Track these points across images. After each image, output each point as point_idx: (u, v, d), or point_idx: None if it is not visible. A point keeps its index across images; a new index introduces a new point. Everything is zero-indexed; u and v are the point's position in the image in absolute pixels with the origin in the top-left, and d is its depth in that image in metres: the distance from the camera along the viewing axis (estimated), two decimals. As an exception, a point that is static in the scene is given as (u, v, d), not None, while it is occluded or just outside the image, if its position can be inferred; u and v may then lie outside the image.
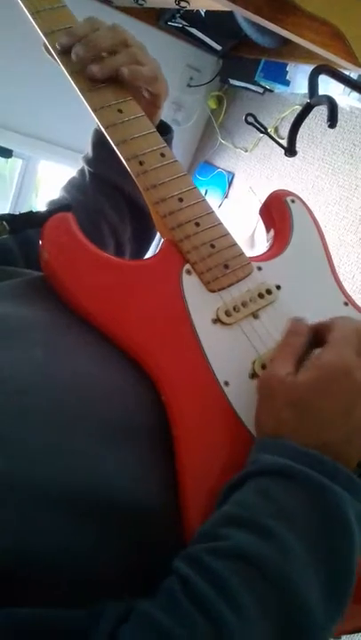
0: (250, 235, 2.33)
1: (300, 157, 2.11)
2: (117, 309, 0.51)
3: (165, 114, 2.48)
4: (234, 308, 0.54)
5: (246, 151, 2.44)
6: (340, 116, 2.21)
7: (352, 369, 0.46)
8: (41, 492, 0.40)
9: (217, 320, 0.53)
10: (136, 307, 0.51)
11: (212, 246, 0.56)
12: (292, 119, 0.91)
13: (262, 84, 2.27)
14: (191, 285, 0.54)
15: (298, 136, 0.91)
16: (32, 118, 2.34)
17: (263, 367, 0.53)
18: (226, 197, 2.54)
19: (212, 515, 0.43)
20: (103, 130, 0.59)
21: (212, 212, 0.58)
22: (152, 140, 0.59)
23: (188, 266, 0.55)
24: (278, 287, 0.58)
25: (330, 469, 0.42)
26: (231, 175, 2.53)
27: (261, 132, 0.82)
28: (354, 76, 1.70)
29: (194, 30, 2.18)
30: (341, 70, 1.54)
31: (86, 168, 0.72)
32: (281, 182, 2.23)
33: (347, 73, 1.66)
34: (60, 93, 2.45)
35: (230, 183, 2.53)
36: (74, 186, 0.73)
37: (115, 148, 0.59)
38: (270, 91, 2.30)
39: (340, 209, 1.98)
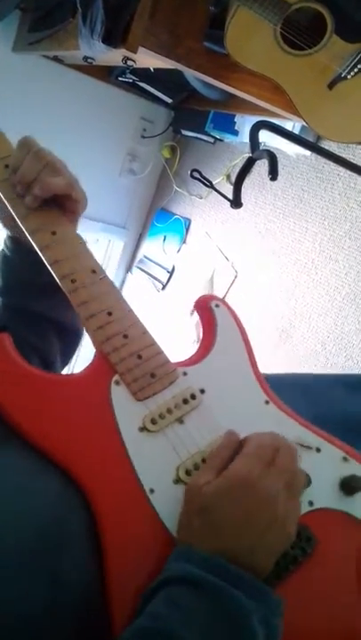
0: (208, 279, 2.37)
1: (252, 203, 2.18)
2: (49, 425, 0.53)
3: (121, 164, 2.54)
4: (160, 416, 0.57)
5: (201, 198, 2.51)
6: (287, 162, 2.28)
7: (255, 479, 0.49)
8: None
9: (143, 428, 0.56)
10: (67, 421, 0.54)
11: (139, 357, 0.60)
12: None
13: (212, 134, 2.35)
14: (119, 396, 0.57)
15: (249, 182, 0.94)
16: None
17: (187, 473, 0.55)
18: (184, 243, 2.58)
19: (129, 626, 0.44)
20: (38, 251, 0.64)
21: (139, 322, 0.63)
22: (83, 259, 0.64)
23: (116, 377, 0.58)
24: (203, 391, 0.61)
25: (233, 577, 0.44)
26: (188, 221, 2.58)
27: (207, 185, 0.85)
28: (298, 125, 1.78)
29: (144, 85, 2.25)
30: (286, 120, 1.62)
31: None
32: (235, 226, 2.29)
33: (291, 123, 1.74)
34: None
35: (187, 229, 2.57)
36: None
37: (49, 268, 0.63)
38: (221, 140, 2.38)
39: (292, 251, 2.04)
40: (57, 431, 0.53)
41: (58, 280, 0.62)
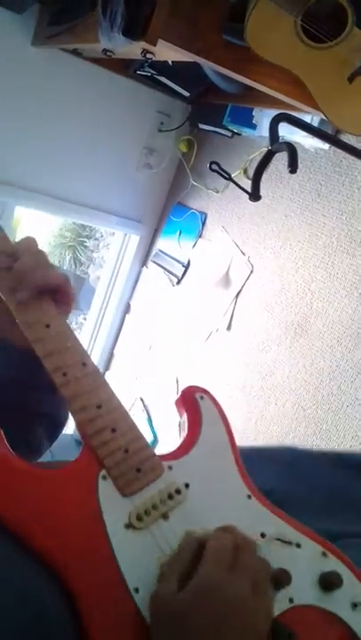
0: (224, 273, 2.37)
1: (269, 197, 2.17)
2: (35, 520, 0.53)
3: (138, 158, 2.56)
4: (145, 512, 0.57)
5: (218, 192, 2.50)
6: (305, 156, 2.27)
7: (221, 587, 0.49)
8: None
9: (129, 525, 0.56)
10: (54, 516, 0.54)
11: (127, 451, 0.60)
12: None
13: (230, 127, 2.34)
14: (106, 491, 0.57)
15: (266, 176, 0.94)
16: (4, 164, 2.37)
17: None
18: (200, 237, 2.58)
19: None
20: (32, 343, 0.65)
21: (128, 415, 0.63)
22: (75, 353, 0.65)
23: (104, 471, 0.58)
24: (187, 486, 0.61)
25: None
26: (204, 215, 2.58)
27: (225, 178, 0.85)
28: (316, 119, 1.77)
29: (162, 78, 2.25)
30: (305, 114, 1.61)
31: None
32: (252, 221, 2.28)
33: (309, 117, 1.73)
34: (30, 137, 2.47)
35: (204, 223, 2.57)
36: None
37: (42, 360, 0.64)
38: (238, 134, 2.38)
39: (309, 246, 2.03)
40: (43, 526, 0.53)
41: (49, 372, 0.63)
